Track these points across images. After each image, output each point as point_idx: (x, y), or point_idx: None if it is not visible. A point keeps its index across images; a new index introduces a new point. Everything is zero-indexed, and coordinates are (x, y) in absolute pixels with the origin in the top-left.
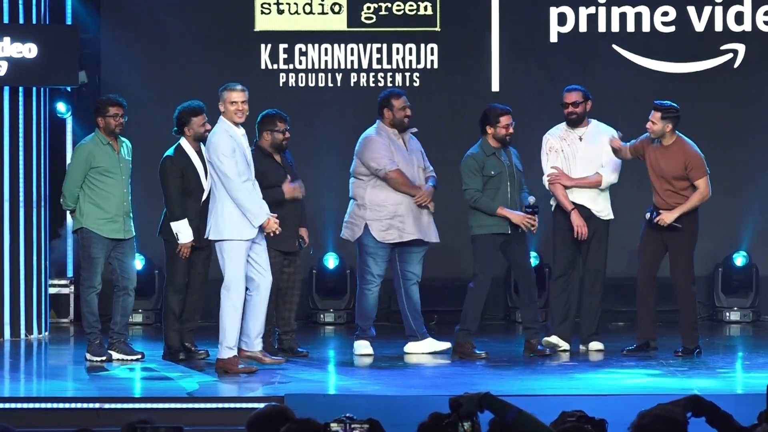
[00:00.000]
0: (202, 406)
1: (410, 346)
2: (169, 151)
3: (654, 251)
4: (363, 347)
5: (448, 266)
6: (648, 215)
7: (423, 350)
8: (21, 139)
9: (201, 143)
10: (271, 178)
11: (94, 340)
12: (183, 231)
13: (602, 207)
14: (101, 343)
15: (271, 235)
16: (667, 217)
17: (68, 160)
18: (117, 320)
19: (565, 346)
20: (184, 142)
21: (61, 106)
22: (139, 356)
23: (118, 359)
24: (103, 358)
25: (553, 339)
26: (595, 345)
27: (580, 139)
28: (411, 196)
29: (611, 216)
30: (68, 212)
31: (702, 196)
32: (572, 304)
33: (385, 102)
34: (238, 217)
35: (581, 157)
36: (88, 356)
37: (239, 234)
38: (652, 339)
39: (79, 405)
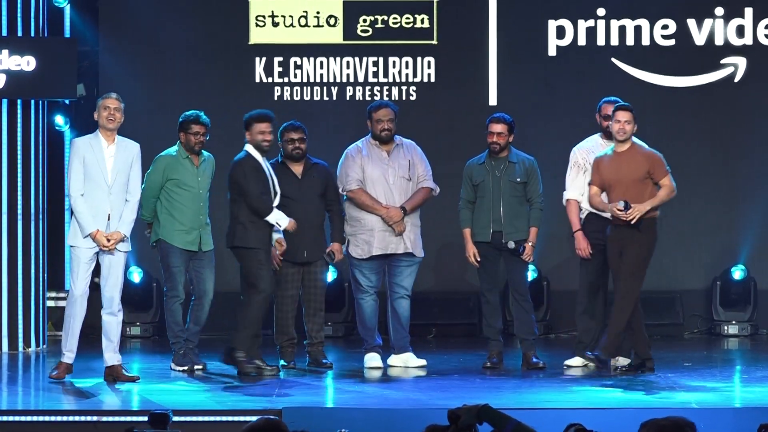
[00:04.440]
0: (199, 419)
1: (393, 359)
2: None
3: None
4: (371, 360)
5: (447, 280)
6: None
7: (400, 364)
8: (19, 152)
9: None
10: (279, 187)
11: (179, 350)
12: (279, 217)
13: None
14: (185, 353)
15: (103, 250)
16: None
17: (66, 173)
18: (189, 328)
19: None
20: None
21: (59, 119)
22: (202, 367)
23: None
24: (186, 368)
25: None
26: (623, 361)
27: None
28: (377, 214)
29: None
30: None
31: None
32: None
33: (367, 114)
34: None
35: None
36: (173, 366)
37: (75, 242)
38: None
39: (76, 418)
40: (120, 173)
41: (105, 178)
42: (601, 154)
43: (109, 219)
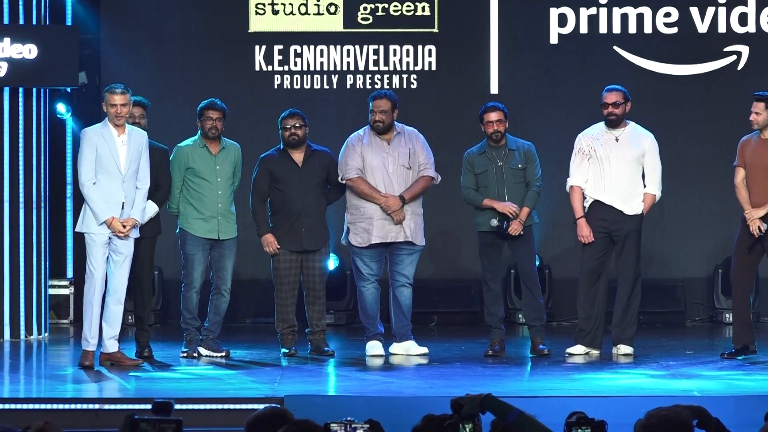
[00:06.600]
0: (201, 407)
1: (394, 347)
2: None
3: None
4: (373, 348)
5: (448, 268)
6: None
7: (401, 352)
8: (21, 140)
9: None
10: (275, 175)
11: (187, 336)
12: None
13: (635, 205)
14: (191, 340)
15: (119, 236)
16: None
17: (68, 161)
18: (209, 318)
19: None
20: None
21: (61, 107)
22: (224, 354)
23: (205, 355)
24: (189, 352)
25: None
26: (625, 349)
27: (617, 140)
28: (376, 202)
29: (641, 208)
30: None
31: None
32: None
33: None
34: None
35: (616, 158)
36: (182, 353)
37: (88, 229)
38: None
39: (78, 406)
40: (132, 162)
41: (118, 167)
42: (748, 137)
43: (123, 207)
